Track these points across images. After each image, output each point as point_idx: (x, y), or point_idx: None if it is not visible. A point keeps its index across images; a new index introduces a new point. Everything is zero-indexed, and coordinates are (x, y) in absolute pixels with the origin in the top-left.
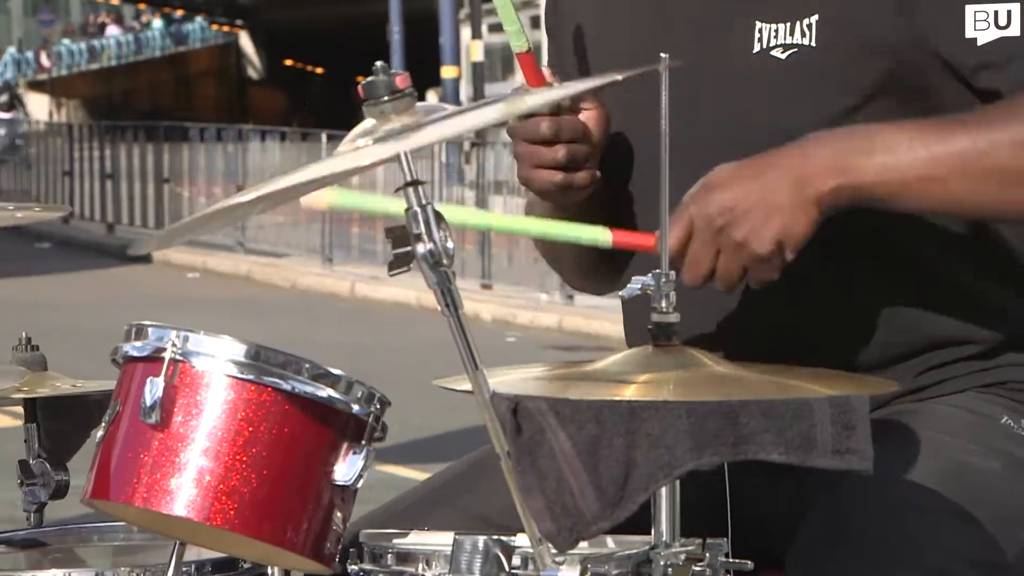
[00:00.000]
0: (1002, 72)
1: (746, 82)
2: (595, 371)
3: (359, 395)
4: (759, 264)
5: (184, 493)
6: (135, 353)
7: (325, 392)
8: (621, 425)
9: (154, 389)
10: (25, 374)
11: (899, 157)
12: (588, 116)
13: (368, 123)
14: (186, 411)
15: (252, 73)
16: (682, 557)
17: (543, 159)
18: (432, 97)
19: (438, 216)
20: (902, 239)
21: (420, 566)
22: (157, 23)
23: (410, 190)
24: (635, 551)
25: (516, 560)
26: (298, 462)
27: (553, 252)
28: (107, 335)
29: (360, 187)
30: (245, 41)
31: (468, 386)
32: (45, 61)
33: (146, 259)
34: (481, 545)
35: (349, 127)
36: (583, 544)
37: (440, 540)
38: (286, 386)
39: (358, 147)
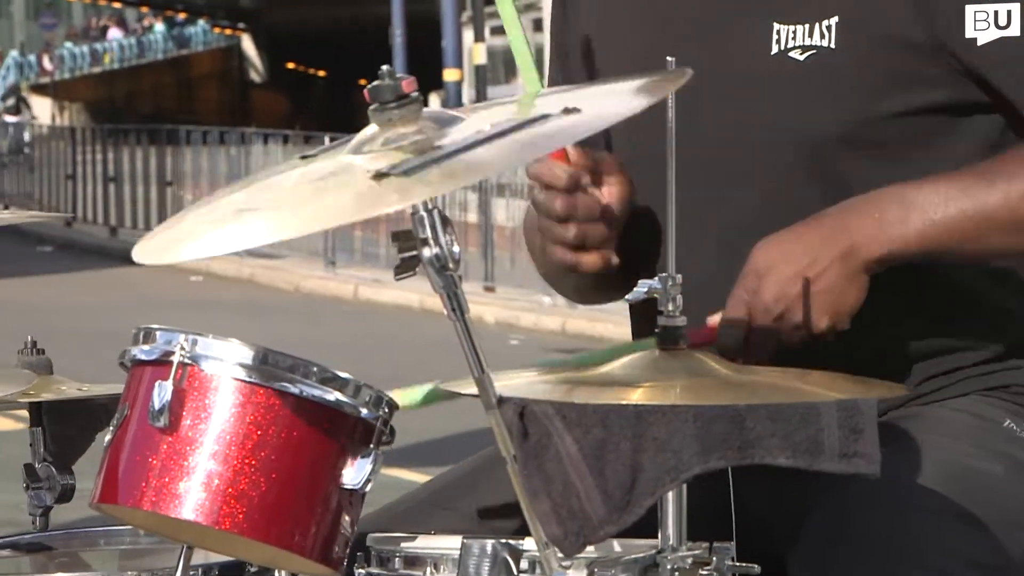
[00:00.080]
0: (1010, 75)
1: (763, 84)
2: (601, 375)
3: (367, 399)
4: (817, 339)
5: (193, 497)
6: (143, 356)
7: (333, 396)
8: (628, 429)
9: (163, 393)
10: (32, 378)
11: (937, 221)
12: (610, 192)
13: (371, 130)
14: (195, 415)
15: (254, 76)
16: (689, 561)
17: (554, 235)
18: (435, 101)
19: (444, 220)
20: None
21: (428, 570)
22: (159, 26)
23: None
24: (642, 555)
25: (524, 564)
26: (306, 466)
27: (553, 274)
28: (109, 338)
29: None
30: (247, 44)
31: (474, 390)
32: (47, 64)
33: None
34: (489, 549)
35: (351, 129)
36: (589, 548)
37: (448, 544)
38: (294, 390)
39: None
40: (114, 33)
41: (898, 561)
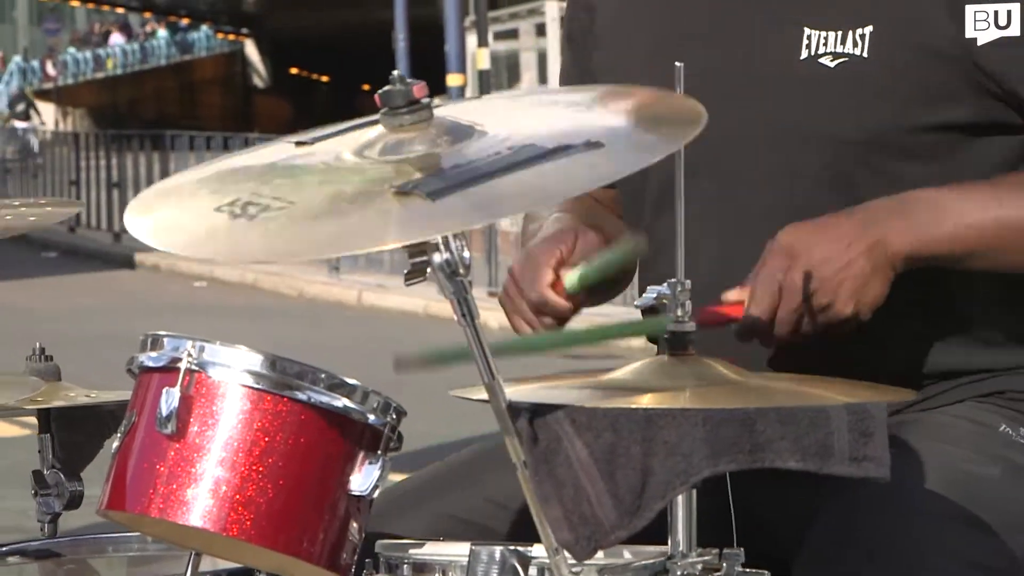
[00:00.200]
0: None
1: (790, 88)
2: (611, 380)
3: (375, 405)
4: (840, 325)
5: (200, 503)
6: (151, 363)
7: (341, 402)
8: (638, 433)
9: (170, 399)
10: (40, 385)
11: (971, 225)
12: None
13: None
14: (202, 421)
15: (257, 81)
16: (699, 567)
17: (519, 312)
18: None
19: None
20: (911, 273)
21: None
22: (162, 32)
23: None
24: (651, 561)
25: (533, 571)
26: (314, 472)
27: None
28: (113, 343)
29: None
30: (250, 49)
31: (484, 395)
32: (51, 70)
33: (152, 268)
34: (498, 555)
35: None
36: (599, 555)
37: (456, 551)
38: (302, 396)
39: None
40: (117, 38)
41: (902, 563)
